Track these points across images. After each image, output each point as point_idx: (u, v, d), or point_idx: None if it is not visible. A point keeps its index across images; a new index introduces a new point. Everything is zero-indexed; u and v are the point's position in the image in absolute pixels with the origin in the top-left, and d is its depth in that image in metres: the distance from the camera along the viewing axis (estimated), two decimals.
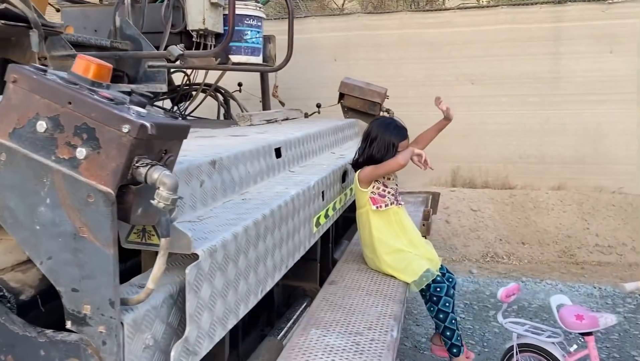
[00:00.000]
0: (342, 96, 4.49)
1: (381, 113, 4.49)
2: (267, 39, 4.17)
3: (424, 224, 3.93)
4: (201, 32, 3.58)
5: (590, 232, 5.53)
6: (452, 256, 5.43)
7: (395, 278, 2.60)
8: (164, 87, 3.40)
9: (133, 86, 3.27)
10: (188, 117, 4.36)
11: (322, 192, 2.41)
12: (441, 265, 2.81)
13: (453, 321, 2.59)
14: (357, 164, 2.72)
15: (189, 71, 4.37)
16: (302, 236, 2.12)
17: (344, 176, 2.85)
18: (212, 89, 4.41)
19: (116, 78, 3.36)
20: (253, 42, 3.87)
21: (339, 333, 1.99)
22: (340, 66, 6.33)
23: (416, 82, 6.46)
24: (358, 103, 4.45)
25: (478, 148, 6.26)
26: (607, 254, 5.40)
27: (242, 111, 4.41)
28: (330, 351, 1.85)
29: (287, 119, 4.11)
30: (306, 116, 4.71)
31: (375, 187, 2.66)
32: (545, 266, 5.27)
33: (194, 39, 3.60)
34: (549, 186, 5.99)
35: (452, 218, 6.00)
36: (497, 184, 6.24)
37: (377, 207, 2.67)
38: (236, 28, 3.77)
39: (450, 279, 2.79)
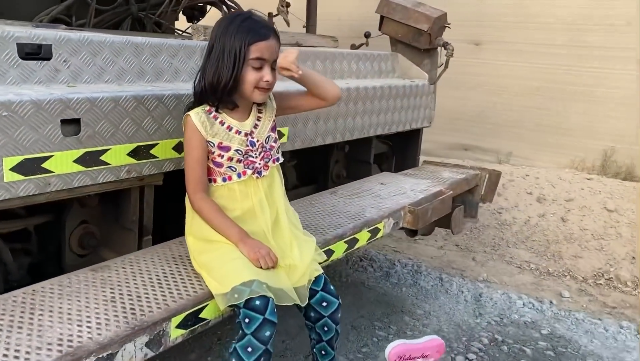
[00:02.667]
0: (382, 20, 3.25)
1: (438, 49, 3.17)
2: None
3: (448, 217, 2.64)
4: None
5: None
6: (543, 267, 3.82)
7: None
8: None
9: None
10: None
11: None
12: (321, 279, 1.65)
13: None
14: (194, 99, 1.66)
15: None
16: None
17: None
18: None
19: None
20: None
21: None
22: None
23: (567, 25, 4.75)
24: (400, 30, 3.17)
25: None
26: None
27: None
28: None
29: (297, 44, 3.06)
30: (353, 47, 3.59)
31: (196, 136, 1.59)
32: None
33: None
34: None
35: (571, 216, 4.29)
36: None
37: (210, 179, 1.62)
38: None
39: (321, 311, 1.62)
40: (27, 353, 1.15)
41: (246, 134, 1.62)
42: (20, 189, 1.37)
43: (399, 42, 3.23)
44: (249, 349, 1.40)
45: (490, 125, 5.38)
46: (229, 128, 1.60)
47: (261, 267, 1.52)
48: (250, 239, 1.56)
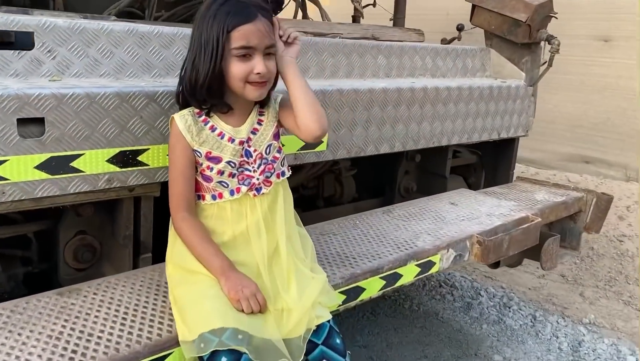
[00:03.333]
0: (474, 9, 2.78)
1: (541, 44, 2.64)
2: None
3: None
4: None
5: None
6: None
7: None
8: None
9: None
10: None
11: None
12: (326, 330, 1.29)
13: None
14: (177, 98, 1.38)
15: None
16: None
17: None
18: None
19: None
20: None
21: None
22: None
23: None
24: (493, 21, 2.68)
25: None
26: None
27: (323, 19, 3.14)
28: None
29: (372, 38, 2.70)
30: (444, 41, 3.15)
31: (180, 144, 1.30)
32: None
33: None
34: None
35: None
36: None
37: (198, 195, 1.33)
38: None
39: None
40: None
41: (241, 142, 1.31)
42: None
43: (494, 35, 2.74)
44: None
45: (617, 135, 4.58)
46: (221, 135, 1.30)
47: (243, 310, 1.20)
48: (235, 273, 1.25)
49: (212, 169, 1.30)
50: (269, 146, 1.34)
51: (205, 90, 1.24)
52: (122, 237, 1.55)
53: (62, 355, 1.11)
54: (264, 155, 1.33)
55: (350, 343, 2.53)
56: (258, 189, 1.32)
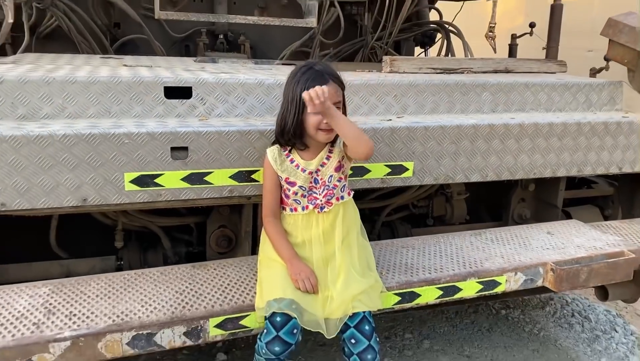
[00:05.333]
0: (610, 43, 2.78)
1: None
2: None
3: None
4: None
5: None
6: None
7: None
8: (312, 22, 3.11)
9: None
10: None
11: None
12: (360, 319, 1.68)
13: None
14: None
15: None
16: None
17: None
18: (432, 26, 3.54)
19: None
20: None
21: None
22: None
23: None
24: (626, 55, 2.66)
25: None
26: None
27: (466, 54, 3.38)
28: None
29: (505, 71, 2.93)
30: (593, 73, 3.17)
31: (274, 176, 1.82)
32: None
33: None
34: None
35: None
36: None
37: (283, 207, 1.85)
38: None
39: (352, 344, 1.65)
40: (87, 317, 1.61)
41: (310, 173, 1.76)
42: (137, 197, 1.86)
43: (631, 70, 2.72)
44: (263, 351, 1.61)
45: None
46: (297, 166, 1.77)
47: (299, 288, 1.67)
48: (297, 262, 1.72)
49: (289, 190, 1.78)
50: (331, 176, 1.78)
51: (290, 134, 1.72)
52: (244, 232, 2.12)
53: (175, 305, 1.70)
54: (327, 183, 1.77)
55: (455, 352, 2.77)
56: (322, 208, 1.77)
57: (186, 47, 3.55)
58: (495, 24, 3.11)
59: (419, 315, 3.10)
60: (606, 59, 3.06)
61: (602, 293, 2.49)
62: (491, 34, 3.12)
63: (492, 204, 2.87)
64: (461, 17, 3.64)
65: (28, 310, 1.64)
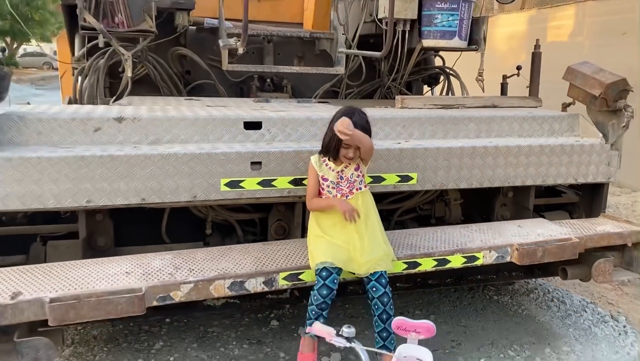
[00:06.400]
0: (569, 85, 3.63)
1: (623, 111, 3.40)
2: (477, 21, 3.89)
3: None
4: (386, 20, 3.90)
5: None
6: None
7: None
8: (340, 70, 4.04)
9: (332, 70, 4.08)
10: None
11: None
12: (378, 275, 2.53)
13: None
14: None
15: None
16: None
17: None
18: (435, 70, 4.44)
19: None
20: (443, 26, 3.82)
21: None
22: None
23: None
24: (579, 95, 3.52)
25: None
26: None
27: (463, 94, 4.26)
28: None
29: (492, 106, 3.80)
30: (564, 106, 4.00)
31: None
32: None
33: (383, 27, 3.96)
34: None
35: None
36: None
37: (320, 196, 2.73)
38: (426, 12, 3.87)
39: (374, 291, 2.51)
40: (201, 271, 2.49)
41: (338, 173, 2.64)
42: (228, 195, 2.75)
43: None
44: (315, 297, 2.46)
45: None
46: (330, 168, 2.65)
47: (347, 219, 2.53)
48: (342, 201, 2.59)
49: (323, 184, 2.65)
50: (352, 174, 2.64)
51: (329, 153, 2.60)
52: (295, 223, 3.00)
53: (258, 263, 2.58)
54: (349, 178, 2.64)
55: (454, 324, 3.58)
56: (346, 196, 2.63)
57: (241, 88, 4.49)
58: (483, 70, 3.98)
59: (427, 298, 3.92)
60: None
61: (564, 273, 3.31)
62: (480, 77, 4.00)
63: (482, 208, 3.69)
64: (464, 58, 4.51)
65: (163, 267, 2.52)
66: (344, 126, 2.41)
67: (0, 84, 2.67)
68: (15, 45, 39.70)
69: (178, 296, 2.41)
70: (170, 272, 2.49)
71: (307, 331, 2.45)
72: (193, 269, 2.52)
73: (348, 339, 1.78)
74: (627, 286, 4.44)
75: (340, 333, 1.80)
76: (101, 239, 2.89)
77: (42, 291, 2.27)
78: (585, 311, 3.85)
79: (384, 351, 2.42)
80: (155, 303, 2.38)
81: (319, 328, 1.90)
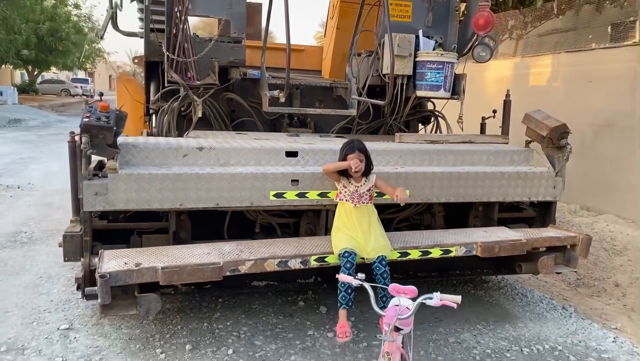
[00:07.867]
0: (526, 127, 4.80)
1: (565, 148, 4.55)
2: (458, 77, 5.10)
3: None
4: (389, 75, 5.11)
5: None
6: None
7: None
8: (353, 112, 5.24)
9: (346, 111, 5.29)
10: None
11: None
12: (380, 258, 3.67)
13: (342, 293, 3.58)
14: None
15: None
16: None
17: None
18: (424, 113, 5.66)
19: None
20: (432, 81, 5.02)
21: None
22: None
23: None
24: (532, 135, 4.68)
25: None
26: None
27: (447, 131, 5.45)
28: None
29: (469, 142, 4.97)
30: (527, 143, 5.15)
31: (339, 184, 3.85)
32: None
33: (386, 80, 5.17)
34: None
35: None
36: None
37: (337, 198, 3.87)
38: (419, 70, 5.08)
39: (377, 270, 3.65)
40: (258, 253, 3.64)
41: (354, 187, 3.80)
42: (275, 203, 3.91)
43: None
44: (342, 271, 3.59)
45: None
46: (352, 183, 3.81)
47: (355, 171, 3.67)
48: (345, 162, 3.72)
49: (343, 190, 3.81)
50: (363, 192, 3.80)
51: (345, 173, 3.78)
52: (321, 225, 4.15)
53: (297, 249, 3.72)
54: (361, 194, 3.79)
55: None
56: (355, 205, 3.78)
57: (274, 124, 5.69)
58: (462, 114, 5.17)
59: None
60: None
61: (519, 268, 4.43)
62: (460, 120, 5.18)
63: (459, 219, 4.83)
64: (450, 104, 5.71)
65: (231, 250, 3.67)
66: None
67: (119, 123, 3.84)
68: (35, 73, 41.56)
69: (243, 269, 3.55)
70: (237, 253, 3.63)
71: (337, 277, 3.56)
72: (252, 252, 3.66)
73: (361, 280, 2.90)
74: (581, 287, 5.53)
75: (356, 277, 2.92)
76: (183, 233, 4.05)
77: (155, 263, 3.41)
78: (542, 303, 4.94)
79: (384, 286, 3.49)
80: (228, 273, 3.52)
81: (344, 276, 3.04)
